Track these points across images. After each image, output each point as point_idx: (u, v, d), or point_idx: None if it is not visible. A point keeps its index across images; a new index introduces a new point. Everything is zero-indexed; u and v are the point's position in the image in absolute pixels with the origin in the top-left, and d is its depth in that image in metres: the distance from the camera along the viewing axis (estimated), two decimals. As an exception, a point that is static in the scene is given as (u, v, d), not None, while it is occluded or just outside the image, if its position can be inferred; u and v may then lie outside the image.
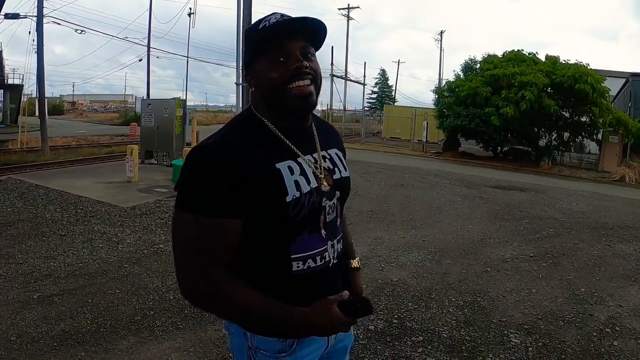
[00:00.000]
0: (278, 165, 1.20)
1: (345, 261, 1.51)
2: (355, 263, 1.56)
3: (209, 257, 1.18)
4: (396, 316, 3.74)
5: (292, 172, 1.22)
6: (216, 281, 1.18)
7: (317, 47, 1.29)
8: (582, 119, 17.90)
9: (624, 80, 23.03)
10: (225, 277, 1.19)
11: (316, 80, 1.25)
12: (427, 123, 21.51)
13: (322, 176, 1.29)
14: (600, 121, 17.20)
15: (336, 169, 1.37)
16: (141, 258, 4.87)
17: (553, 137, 18.56)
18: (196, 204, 1.16)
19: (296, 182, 1.21)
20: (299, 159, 1.25)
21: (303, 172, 1.24)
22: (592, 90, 16.19)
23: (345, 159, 1.46)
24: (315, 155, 1.31)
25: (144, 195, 7.72)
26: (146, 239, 5.49)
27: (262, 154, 1.20)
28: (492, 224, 7.01)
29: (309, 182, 1.24)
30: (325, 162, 1.33)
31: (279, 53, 1.20)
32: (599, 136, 18.49)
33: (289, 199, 1.19)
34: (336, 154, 1.40)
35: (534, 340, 3.44)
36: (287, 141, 1.25)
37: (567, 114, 17.89)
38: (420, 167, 14.18)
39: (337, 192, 1.34)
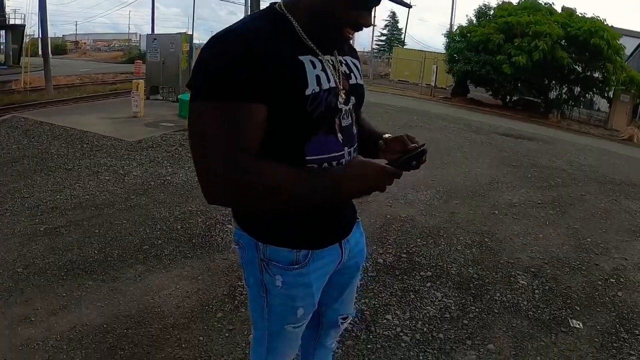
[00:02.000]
0: (301, 58, 1.13)
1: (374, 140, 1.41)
2: (386, 135, 1.41)
3: (237, 144, 1.07)
4: (405, 251, 3.68)
5: (314, 66, 1.15)
6: (248, 165, 1.07)
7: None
8: (594, 75, 17.39)
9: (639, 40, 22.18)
10: (257, 161, 1.09)
11: None
12: (437, 67, 20.88)
13: (339, 79, 1.23)
14: (613, 78, 16.70)
15: (352, 74, 1.31)
16: (148, 189, 4.78)
17: (564, 91, 18.10)
18: (218, 91, 1.05)
19: (317, 77, 1.14)
20: (320, 57, 1.18)
21: (324, 70, 1.17)
22: (607, 46, 15.62)
23: (360, 70, 1.38)
24: (332, 58, 1.24)
25: (150, 129, 7.55)
26: (153, 171, 5.37)
27: (285, 43, 1.12)
28: (500, 169, 6.88)
29: (328, 80, 1.17)
30: (342, 66, 1.27)
31: (366, 6, 1.15)
32: (610, 94, 18.03)
33: (308, 92, 1.12)
34: (352, 61, 1.34)
35: (540, 284, 3.39)
36: (309, 41, 1.17)
37: (579, 68, 17.33)
38: (428, 110, 13.88)
39: (353, 98, 1.28)
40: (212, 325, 2.62)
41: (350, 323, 2.72)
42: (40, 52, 16.60)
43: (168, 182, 5.03)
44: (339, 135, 1.23)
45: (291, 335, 1.52)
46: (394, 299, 2.98)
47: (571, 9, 18.00)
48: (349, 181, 1.13)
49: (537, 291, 3.28)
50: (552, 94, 18.37)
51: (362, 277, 3.24)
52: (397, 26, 57.85)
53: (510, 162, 7.41)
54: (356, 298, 2.96)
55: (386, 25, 57.92)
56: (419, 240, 3.92)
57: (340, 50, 1.30)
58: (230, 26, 1.13)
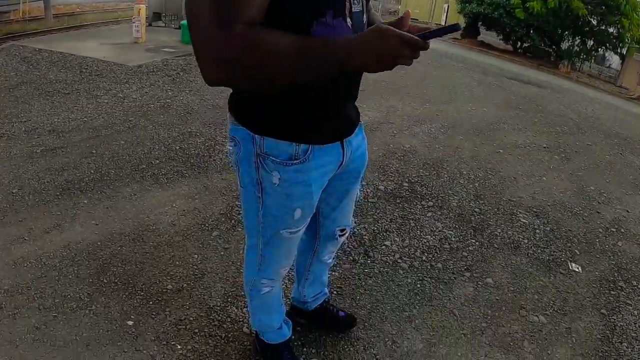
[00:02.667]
0: None
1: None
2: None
3: (237, 9, 0.89)
4: (407, 180, 3.52)
5: None
6: (250, 33, 0.90)
7: None
8: (609, 29, 16.74)
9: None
10: (254, 29, 0.92)
11: None
12: (448, 6, 20.02)
13: None
14: (628, 35, 16.14)
15: None
16: (147, 112, 4.56)
17: (576, 42, 17.49)
18: None
19: None
20: None
21: None
22: (625, 0, 14.91)
23: None
24: None
25: (151, 54, 7.20)
26: (153, 94, 5.12)
27: None
28: (507, 111, 6.65)
29: None
30: None
31: None
32: (624, 51, 17.45)
33: None
34: None
35: (542, 224, 3.28)
36: None
37: (594, 21, 16.69)
38: (437, 49, 13.34)
39: None
40: (207, 244, 2.50)
41: (348, 247, 2.62)
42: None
43: (168, 105, 4.81)
44: (348, 19, 1.08)
45: (287, 242, 1.39)
46: (394, 225, 2.86)
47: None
48: (360, 43, 0.93)
49: (538, 231, 3.17)
50: (564, 45, 17.76)
51: (362, 202, 3.09)
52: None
53: (517, 105, 7.16)
54: (355, 222, 2.85)
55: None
56: (421, 170, 3.76)
57: None
58: None
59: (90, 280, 2.20)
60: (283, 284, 1.94)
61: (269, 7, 0.95)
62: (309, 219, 1.39)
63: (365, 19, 1.17)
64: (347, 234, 1.70)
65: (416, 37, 0.89)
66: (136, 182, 3.11)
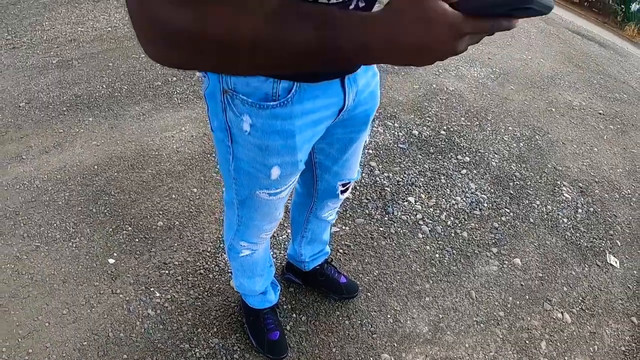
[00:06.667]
0: None
1: None
2: None
3: None
4: (445, 127, 3.02)
5: None
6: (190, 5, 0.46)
7: None
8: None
9: None
10: None
11: None
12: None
13: None
14: None
15: None
16: None
17: (648, 5, 15.60)
18: None
19: None
20: None
21: None
22: None
23: None
24: None
25: None
26: None
27: None
28: (565, 66, 5.87)
29: None
30: None
31: None
32: (697, 18, 15.55)
33: None
34: None
35: (585, 203, 2.80)
36: None
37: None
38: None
39: None
40: (209, 177, 2.13)
41: (367, 197, 2.20)
42: None
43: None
44: None
45: (266, 204, 1.00)
46: (422, 179, 2.41)
47: None
48: (387, 41, 0.48)
49: (580, 210, 2.70)
50: (635, 6, 15.88)
51: (392, 146, 2.64)
52: None
53: (577, 62, 6.35)
54: (379, 170, 2.39)
55: None
56: (463, 119, 3.23)
57: None
58: None
59: (80, 208, 1.92)
60: (277, 234, 1.56)
61: None
62: (296, 177, 0.98)
63: None
64: (350, 188, 1.29)
65: (479, 20, 0.48)
66: (148, 100, 2.73)
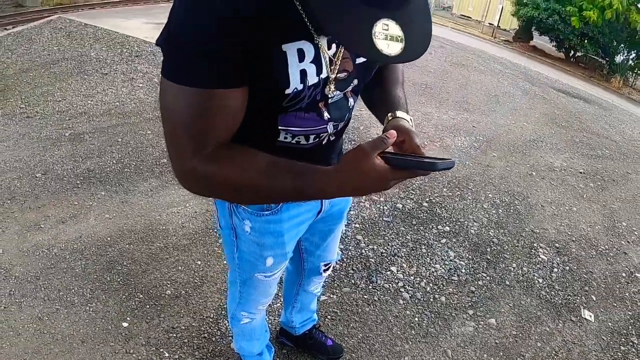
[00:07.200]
0: (285, 47, 0.79)
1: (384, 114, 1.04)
2: (401, 115, 1.01)
3: (205, 138, 0.78)
4: (427, 199, 3.34)
5: (301, 57, 0.81)
6: (214, 168, 0.80)
7: None
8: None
9: None
10: (221, 154, 0.81)
11: None
12: (502, 7, 18.99)
13: (339, 61, 0.87)
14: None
15: None
16: None
17: (631, 57, 16.29)
18: (189, 72, 0.74)
19: (302, 72, 0.82)
20: (316, 39, 0.82)
21: (317, 58, 0.83)
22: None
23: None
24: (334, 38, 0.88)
25: None
26: None
27: (271, 22, 0.74)
28: (548, 127, 6.25)
29: (319, 72, 0.85)
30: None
31: None
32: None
33: (288, 91, 0.83)
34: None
35: (561, 262, 3.04)
36: (304, 15, 0.77)
37: (652, 36, 15.44)
38: (486, 51, 12.76)
39: (356, 80, 0.94)
40: (212, 251, 2.43)
41: (352, 269, 2.50)
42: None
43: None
44: (325, 114, 0.94)
45: (263, 284, 1.32)
46: (404, 250, 2.70)
47: (655, -30, 15.65)
48: (338, 188, 0.80)
49: (556, 270, 2.94)
50: (619, 58, 16.59)
51: (377, 219, 2.95)
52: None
53: (560, 122, 6.73)
54: (365, 243, 2.71)
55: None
56: (445, 189, 3.56)
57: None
58: None
59: (95, 276, 2.19)
60: (272, 304, 1.84)
61: None
62: (286, 263, 1.30)
63: (351, 102, 0.99)
64: (331, 268, 1.61)
65: (401, 172, 0.78)
66: (155, 177, 3.08)
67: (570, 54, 17.50)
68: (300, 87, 0.83)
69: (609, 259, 3.29)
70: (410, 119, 1.01)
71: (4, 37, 6.21)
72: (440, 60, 9.05)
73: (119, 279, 2.18)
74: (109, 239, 2.44)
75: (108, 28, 6.84)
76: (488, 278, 2.66)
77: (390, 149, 0.81)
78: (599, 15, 14.04)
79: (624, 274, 3.14)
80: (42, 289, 2.09)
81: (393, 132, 0.79)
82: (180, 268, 2.29)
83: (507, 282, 2.68)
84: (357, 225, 2.84)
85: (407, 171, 0.79)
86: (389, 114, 1.01)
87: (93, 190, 2.85)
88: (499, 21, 19.66)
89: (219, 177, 0.80)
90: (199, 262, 2.35)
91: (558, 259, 3.07)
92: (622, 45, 16.00)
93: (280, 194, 0.82)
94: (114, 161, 3.21)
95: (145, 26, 7.50)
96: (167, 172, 3.16)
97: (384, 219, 2.94)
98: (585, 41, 16.33)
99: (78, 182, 2.92)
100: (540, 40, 18.88)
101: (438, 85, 6.98)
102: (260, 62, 0.77)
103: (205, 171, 0.79)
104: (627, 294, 2.92)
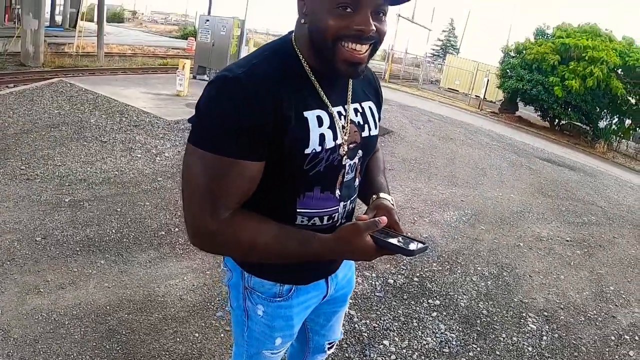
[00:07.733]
0: (306, 114, 1.01)
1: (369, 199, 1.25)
2: (384, 196, 1.21)
3: (223, 200, 0.98)
4: (418, 274, 3.51)
5: (320, 123, 1.02)
6: (230, 228, 0.99)
7: (395, 3, 1.00)
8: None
9: None
10: (235, 221, 1.00)
11: (377, 44, 1.00)
12: (488, 80, 20.00)
13: (348, 133, 1.10)
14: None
15: (366, 125, 1.17)
16: (176, 173, 4.68)
17: (614, 121, 17.02)
18: (214, 142, 0.94)
19: (321, 136, 1.02)
20: (330, 110, 1.05)
21: (332, 126, 1.05)
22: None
23: (380, 112, 1.25)
24: (346, 106, 1.11)
25: (190, 110, 7.37)
26: None
27: (292, 94, 0.99)
28: (535, 197, 6.52)
29: (335, 138, 1.05)
30: (356, 116, 1.14)
31: (349, 1, 0.93)
32: (663, 129, 16.80)
33: (308, 151, 1.01)
34: (370, 107, 1.20)
35: (550, 330, 3.16)
36: (320, 89, 1.04)
37: (633, 100, 16.22)
38: (473, 124, 13.37)
39: (360, 151, 1.15)
40: (209, 323, 2.56)
41: (346, 342, 2.63)
42: (96, 19, 16.30)
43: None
44: (337, 192, 1.13)
45: (269, 359, 1.45)
46: (396, 324, 2.84)
47: (631, 38, 16.76)
48: (334, 254, 1.06)
49: (545, 338, 3.05)
50: (602, 123, 17.30)
51: (369, 295, 3.11)
52: (454, 33, 55.79)
53: (546, 191, 7.01)
54: (358, 317, 2.86)
55: (443, 31, 56.02)
56: (435, 264, 3.74)
57: (357, 95, 1.16)
58: (239, 66, 0.99)
59: (95, 343, 2.26)
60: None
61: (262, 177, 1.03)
62: (292, 340, 1.43)
63: (357, 182, 1.20)
64: (335, 345, 1.75)
65: (384, 251, 1.01)
66: (153, 248, 3.20)
67: (555, 123, 18.26)
68: (318, 149, 1.02)
69: (597, 323, 3.40)
70: (391, 199, 1.23)
71: (7, 96, 6.45)
72: (429, 135, 9.51)
73: (117, 348, 2.27)
74: (108, 307, 2.53)
75: (108, 95, 7.09)
76: (478, 349, 2.77)
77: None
78: (580, 83, 14.85)
79: (613, 338, 3.24)
80: (41, 352, 2.15)
81: (384, 218, 1.03)
82: (178, 339, 2.40)
83: (497, 352, 2.79)
84: (350, 301, 2.98)
85: (389, 250, 1.01)
86: (374, 195, 1.24)
87: (92, 258, 2.96)
88: (484, 94, 20.65)
89: (234, 240, 1.00)
90: (197, 335, 2.46)
91: (547, 327, 3.19)
92: (604, 110, 16.76)
93: (286, 256, 1.04)
94: (113, 230, 3.33)
95: (144, 96, 7.77)
96: (165, 244, 3.29)
97: (376, 294, 3.09)
98: (569, 109, 17.13)
99: (77, 248, 3.03)
100: (526, 110, 19.77)
101: (427, 160, 7.34)
102: (281, 129, 0.96)
103: (223, 234, 0.99)
104: (616, 356, 3.01)
